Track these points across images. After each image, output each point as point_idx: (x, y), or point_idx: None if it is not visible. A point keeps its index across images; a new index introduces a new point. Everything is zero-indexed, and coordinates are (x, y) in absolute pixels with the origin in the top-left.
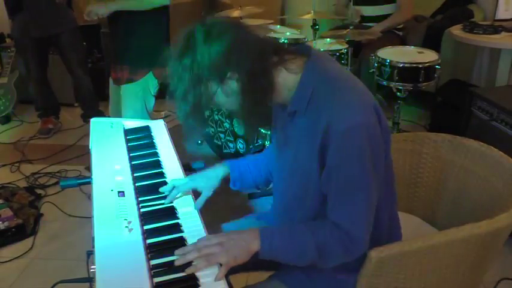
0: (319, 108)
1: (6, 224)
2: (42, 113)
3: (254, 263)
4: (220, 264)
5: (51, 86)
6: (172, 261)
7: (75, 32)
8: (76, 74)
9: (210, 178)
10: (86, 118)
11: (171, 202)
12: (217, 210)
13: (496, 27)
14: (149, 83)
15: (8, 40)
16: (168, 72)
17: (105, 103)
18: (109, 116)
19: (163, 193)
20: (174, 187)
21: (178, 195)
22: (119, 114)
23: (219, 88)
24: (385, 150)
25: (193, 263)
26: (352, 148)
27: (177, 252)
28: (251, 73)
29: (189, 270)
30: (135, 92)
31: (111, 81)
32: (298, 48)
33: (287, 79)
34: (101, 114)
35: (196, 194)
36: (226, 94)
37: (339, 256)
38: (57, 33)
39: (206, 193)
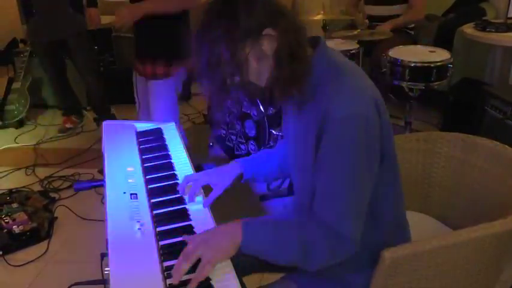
0: (322, 97)
1: (21, 227)
2: (63, 112)
3: (267, 264)
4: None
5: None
6: None
7: (82, 37)
8: (86, 78)
9: (223, 176)
10: (98, 122)
11: (186, 196)
12: (228, 212)
13: (508, 25)
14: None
15: (21, 45)
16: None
17: (116, 106)
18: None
19: (175, 195)
20: (188, 182)
21: (196, 192)
22: (146, 109)
23: (251, 51)
24: (385, 147)
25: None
26: (346, 137)
27: (173, 271)
28: (295, 33)
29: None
30: (171, 86)
31: (137, 78)
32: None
33: None
34: (112, 117)
35: (206, 194)
36: (258, 57)
37: (324, 255)
38: (65, 38)
39: (217, 191)
